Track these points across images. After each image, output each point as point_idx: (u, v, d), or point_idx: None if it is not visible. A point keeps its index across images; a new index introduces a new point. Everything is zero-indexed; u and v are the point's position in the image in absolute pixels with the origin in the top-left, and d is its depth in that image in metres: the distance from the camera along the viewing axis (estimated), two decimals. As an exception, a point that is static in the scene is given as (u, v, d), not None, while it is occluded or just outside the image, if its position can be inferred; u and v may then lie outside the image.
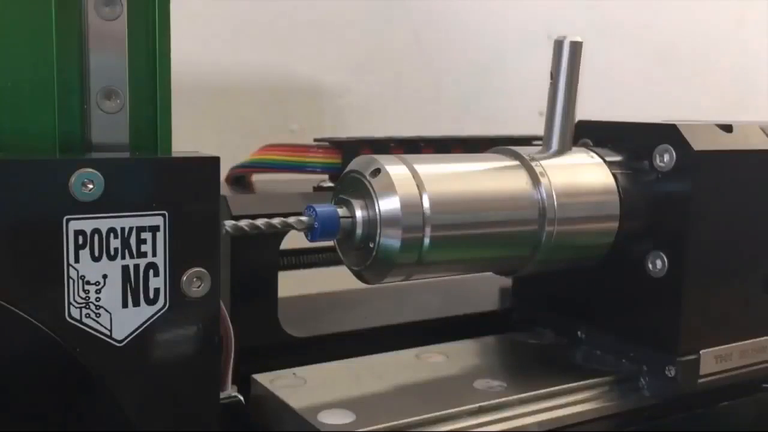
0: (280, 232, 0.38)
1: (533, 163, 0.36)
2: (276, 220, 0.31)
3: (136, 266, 0.29)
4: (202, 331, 0.31)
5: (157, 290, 0.30)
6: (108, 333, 0.29)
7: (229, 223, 0.32)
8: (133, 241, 0.29)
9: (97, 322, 0.29)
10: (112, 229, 0.29)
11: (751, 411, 0.43)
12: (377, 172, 0.32)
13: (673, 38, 1.03)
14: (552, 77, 0.38)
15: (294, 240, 0.43)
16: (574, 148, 0.40)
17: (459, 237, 0.34)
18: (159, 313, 0.30)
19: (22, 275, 0.27)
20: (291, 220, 0.32)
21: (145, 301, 0.29)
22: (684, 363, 0.38)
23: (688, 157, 0.37)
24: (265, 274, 0.40)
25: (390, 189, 0.32)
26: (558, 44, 0.38)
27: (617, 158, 0.39)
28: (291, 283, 0.46)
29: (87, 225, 0.28)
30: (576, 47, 0.37)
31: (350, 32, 0.84)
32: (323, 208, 0.32)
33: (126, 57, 0.31)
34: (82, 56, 0.30)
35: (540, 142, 0.39)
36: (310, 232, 0.32)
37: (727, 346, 0.40)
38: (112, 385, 0.29)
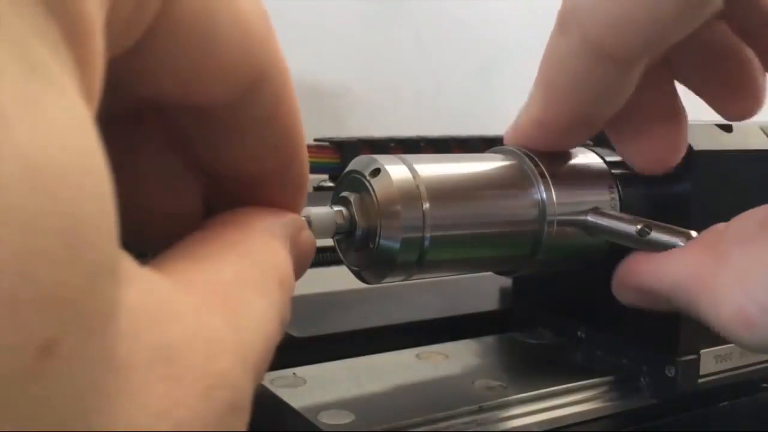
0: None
1: (533, 163, 0.36)
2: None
3: (137, 266, 0.29)
4: (202, 331, 0.31)
5: (157, 290, 0.30)
6: (108, 333, 0.29)
7: None
8: (133, 241, 0.29)
9: (97, 322, 0.29)
10: (112, 229, 0.29)
11: (751, 411, 0.43)
12: (377, 172, 0.32)
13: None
14: None
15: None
16: (574, 148, 0.40)
17: (459, 237, 0.34)
18: (159, 313, 0.30)
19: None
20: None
21: (145, 301, 0.29)
22: (684, 363, 0.38)
23: (687, 157, 0.37)
24: (265, 274, 0.40)
25: (390, 189, 0.32)
26: None
27: (617, 158, 0.39)
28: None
29: (87, 225, 0.28)
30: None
31: (350, 32, 0.84)
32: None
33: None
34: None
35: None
36: None
37: (727, 346, 0.39)
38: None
